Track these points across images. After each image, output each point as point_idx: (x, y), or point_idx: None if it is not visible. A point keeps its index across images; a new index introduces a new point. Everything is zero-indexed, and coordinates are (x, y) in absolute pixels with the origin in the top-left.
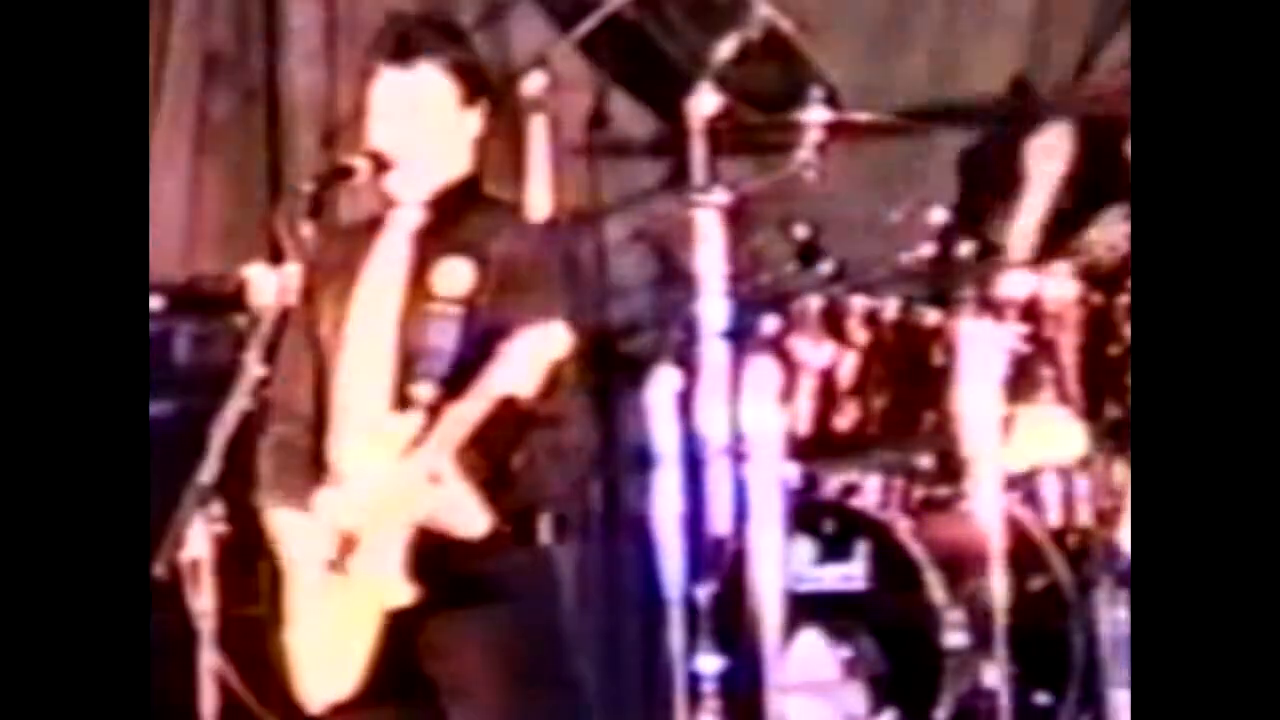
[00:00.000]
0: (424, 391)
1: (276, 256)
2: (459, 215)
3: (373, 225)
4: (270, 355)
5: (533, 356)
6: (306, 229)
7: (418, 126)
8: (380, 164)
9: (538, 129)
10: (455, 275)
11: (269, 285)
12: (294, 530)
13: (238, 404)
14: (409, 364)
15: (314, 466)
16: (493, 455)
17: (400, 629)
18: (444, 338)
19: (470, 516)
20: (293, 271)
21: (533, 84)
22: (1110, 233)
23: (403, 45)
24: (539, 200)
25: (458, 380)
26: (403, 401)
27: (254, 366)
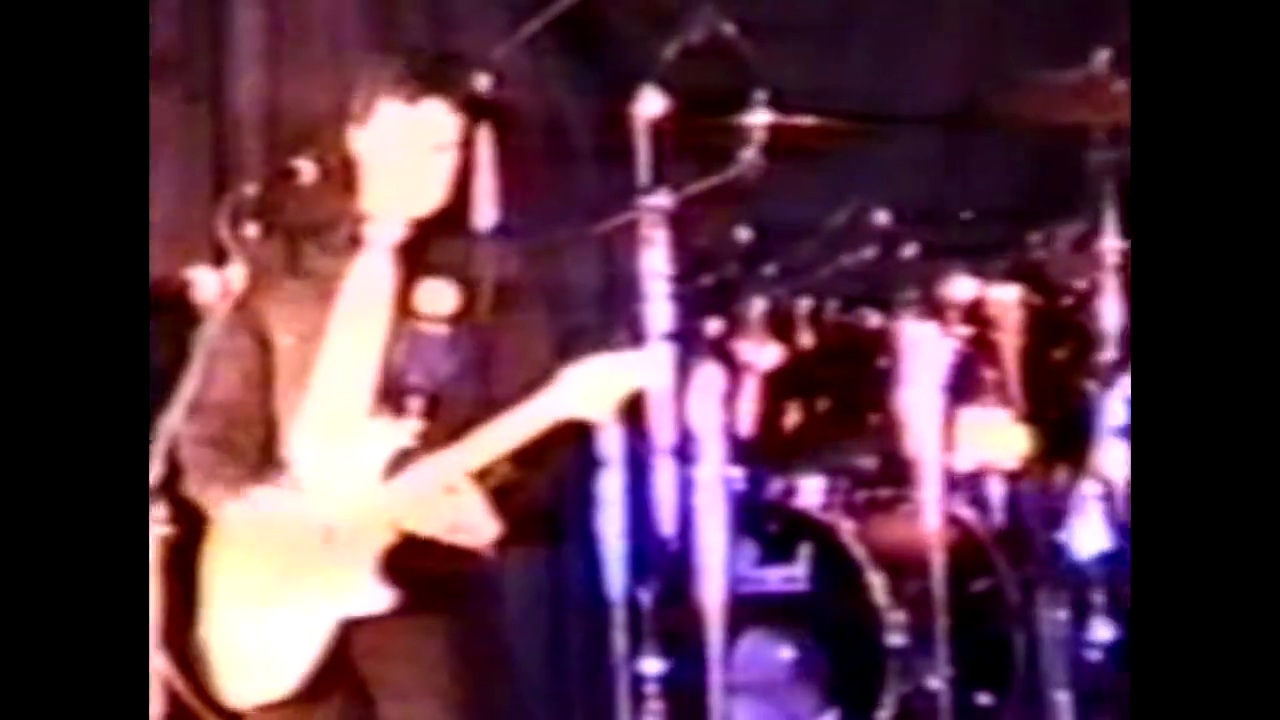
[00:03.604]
0: (412, 406)
1: (221, 258)
2: (440, 235)
3: (321, 231)
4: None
5: (608, 384)
6: (250, 230)
7: (411, 158)
8: (328, 170)
9: (483, 132)
10: (439, 296)
11: (212, 286)
12: (245, 532)
13: (181, 405)
14: (393, 379)
15: (249, 465)
16: (525, 468)
17: (347, 632)
18: (430, 356)
19: (482, 525)
20: (236, 273)
21: (478, 85)
22: (1058, 236)
23: (412, 80)
24: (485, 204)
25: (444, 398)
26: (385, 414)
27: (197, 367)
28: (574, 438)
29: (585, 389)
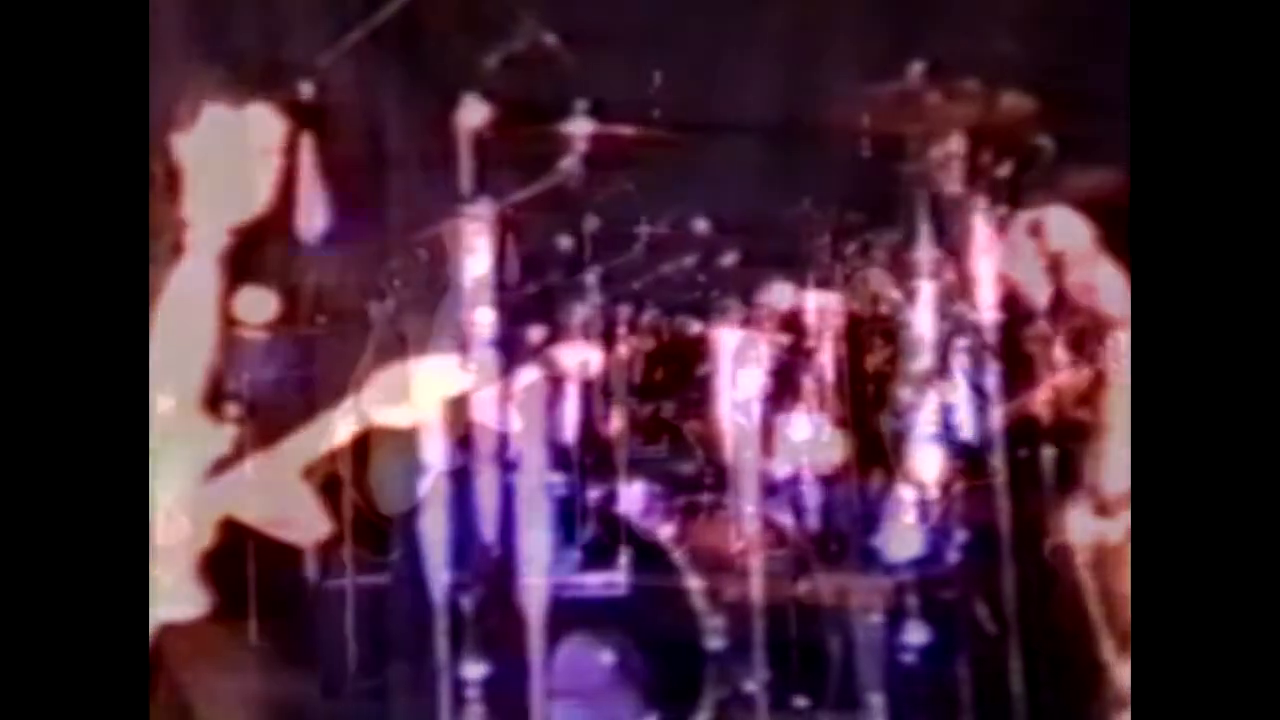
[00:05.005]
0: (230, 413)
1: None
2: (262, 242)
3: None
4: None
5: (416, 389)
6: None
7: (234, 165)
8: (154, 177)
9: (306, 139)
10: (259, 303)
11: None
12: None
13: None
14: (213, 386)
15: None
16: (348, 470)
17: (165, 637)
18: (250, 363)
19: (311, 521)
20: None
21: (302, 93)
22: (874, 246)
23: (237, 85)
24: (309, 211)
25: (262, 405)
26: (205, 421)
27: None
28: (391, 443)
29: (390, 394)
